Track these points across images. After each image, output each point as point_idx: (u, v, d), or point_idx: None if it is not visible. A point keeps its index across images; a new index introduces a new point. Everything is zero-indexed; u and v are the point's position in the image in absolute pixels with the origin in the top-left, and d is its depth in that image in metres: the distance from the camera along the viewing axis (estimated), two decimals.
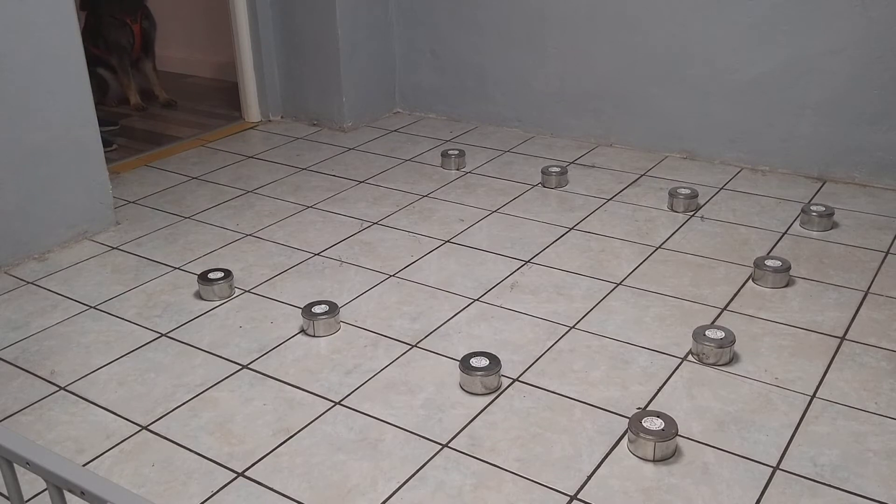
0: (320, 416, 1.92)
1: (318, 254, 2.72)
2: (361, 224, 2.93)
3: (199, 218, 3.01)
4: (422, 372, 2.08)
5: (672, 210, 2.93)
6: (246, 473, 1.75)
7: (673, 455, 1.75)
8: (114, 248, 2.80)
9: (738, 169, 3.27)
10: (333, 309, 2.26)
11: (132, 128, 4.12)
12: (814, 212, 2.75)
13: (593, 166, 3.37)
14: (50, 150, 2.71)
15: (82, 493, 0.94)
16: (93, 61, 4.17)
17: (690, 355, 2.10)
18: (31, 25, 2.58)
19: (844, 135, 3.06)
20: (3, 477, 1.05)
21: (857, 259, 2.55)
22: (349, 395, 2.00)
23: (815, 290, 2.39)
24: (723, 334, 2.08)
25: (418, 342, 2.20)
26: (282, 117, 4.10)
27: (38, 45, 2.61)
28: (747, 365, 2.05)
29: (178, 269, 2.65)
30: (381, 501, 1.66)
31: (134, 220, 3.01)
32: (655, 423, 1.76)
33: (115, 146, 3.75)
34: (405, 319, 2.31)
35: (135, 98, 4.38)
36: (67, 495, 0.98)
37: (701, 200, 2.98)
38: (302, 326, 2.28)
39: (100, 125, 2.93)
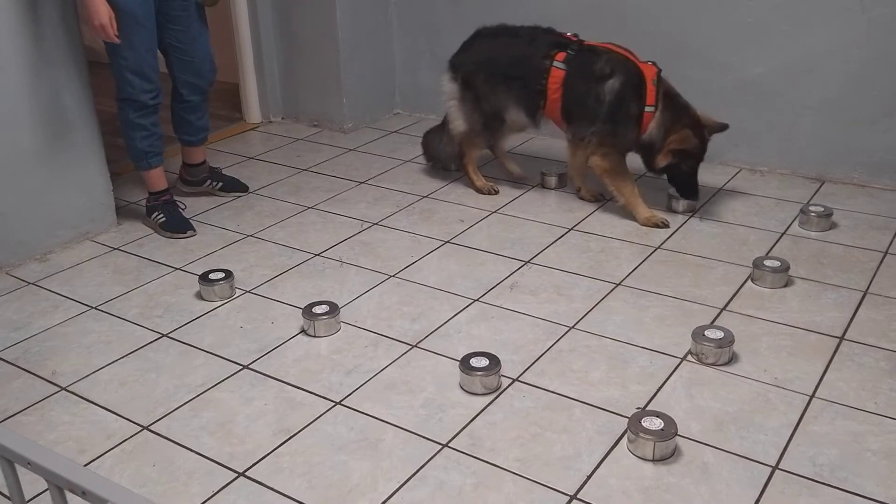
0: (321, 416, 1.93)
1: (318, 254, 2.72)
2: (362, 225, 2.93)
3: (199, 218, 3.01)
4: (422, 372, 2.08)
5: (671, 210, 2.93)
6: (247, 473, 1.76)
7: (672, 455, 1.75)
8: (115, 249, 2.81)
9: (738, 169, 3.27)
10: (334, 309, 2.27)
11: None
12: (813, 212, 2.75)
13: None
14: (51, 150, 2.71)
15: (83, 493, 0.94)
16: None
17: (690, 355, 2.10)
18: (31, 25, 2.58)
19: (844, 135, 3.06)
20: (5, 477, 1.05)
21: (855, 259, 2.56)
22: (349, 395, 2.00)
23: (814, 290, 2.39)
24: (722, 334, 2.08)
25: (418, 342, 2.21)
26: (282, 118, 4.11)
27: (38, 45, 2.61)
28: (746, 365, 2.05)
29: (179, 269, 2.65)
30: (382, 501, 1.66)
31: (135, 221, 3.01)
32: (655, 423, 1.76)
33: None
34: (405, 320, 2.32)
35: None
36: (69, 495, 0.98)
37: (700, 201, 2.98)
38: (302, 327, 2.28)
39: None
